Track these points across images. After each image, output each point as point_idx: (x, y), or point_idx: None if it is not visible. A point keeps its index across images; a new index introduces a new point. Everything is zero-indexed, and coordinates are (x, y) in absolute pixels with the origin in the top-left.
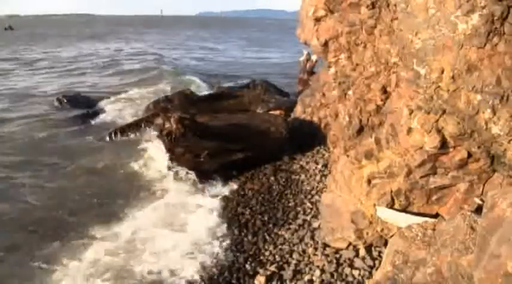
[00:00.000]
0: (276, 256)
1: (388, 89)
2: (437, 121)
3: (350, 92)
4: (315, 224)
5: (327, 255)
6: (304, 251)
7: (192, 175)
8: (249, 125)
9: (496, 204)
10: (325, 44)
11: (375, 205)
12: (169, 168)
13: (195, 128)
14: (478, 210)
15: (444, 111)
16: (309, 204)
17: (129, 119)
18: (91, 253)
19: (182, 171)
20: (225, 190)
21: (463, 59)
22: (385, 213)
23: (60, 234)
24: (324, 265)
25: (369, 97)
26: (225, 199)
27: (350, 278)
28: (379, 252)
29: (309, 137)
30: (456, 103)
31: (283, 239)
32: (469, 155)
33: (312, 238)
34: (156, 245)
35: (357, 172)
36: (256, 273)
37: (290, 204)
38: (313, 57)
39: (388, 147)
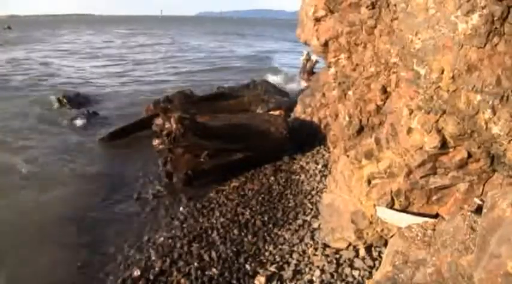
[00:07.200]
0: (276, 256)
1: (388, 89)
2: (437, 121)
3: (350, 92)
4: (315, 225)
5: (327, 255)
6: (304, 251)
7: None
8: (249, 125)
9: (496, 204)
10: (325, 44)
11: (375, 205)
12: None
13: (195, 128)
14: (478, 210)
15: (444, 111)
16: (309, 204)
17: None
18: None
19: None
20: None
21: (463, 59)
22: (385, 213)
23: None
24: (324, 265)
25: (369, 97)
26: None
27: (350, 279)
28: (379, 252)
29: (309, 137)
30: (456, 103)
31: (283, 239)
32: (469, 155)
33: (312, 238)
34: None
35: (357, 172)
36: (256, 273)
37: (290, 204)
38: (313, 57)
39: (388, 147)
